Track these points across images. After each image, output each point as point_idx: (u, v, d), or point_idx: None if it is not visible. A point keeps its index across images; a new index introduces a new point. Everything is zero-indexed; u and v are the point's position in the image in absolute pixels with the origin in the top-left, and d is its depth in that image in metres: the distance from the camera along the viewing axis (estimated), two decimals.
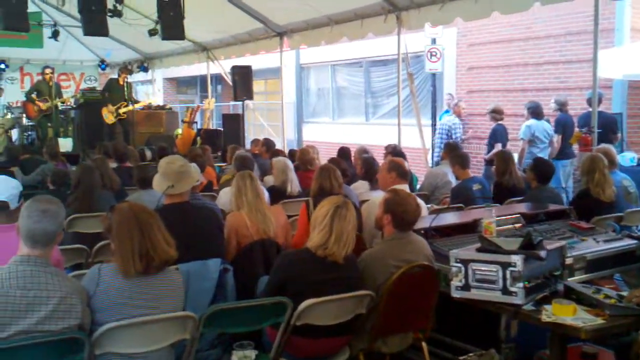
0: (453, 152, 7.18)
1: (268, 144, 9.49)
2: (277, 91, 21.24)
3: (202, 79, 24.95)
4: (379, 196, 5.27)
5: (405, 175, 5.22)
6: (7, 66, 17.62)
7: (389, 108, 16.00)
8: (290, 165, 7.06)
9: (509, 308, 3.34)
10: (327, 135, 16.94)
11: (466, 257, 3.43)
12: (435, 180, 7.49)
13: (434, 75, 12.66)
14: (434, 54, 12.03)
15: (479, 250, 3.49)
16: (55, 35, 14.99)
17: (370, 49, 15.51)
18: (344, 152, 9.09)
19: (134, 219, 3.06)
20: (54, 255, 3.29)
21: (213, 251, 4.15)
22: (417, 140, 11.27)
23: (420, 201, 4.40)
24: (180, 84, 26.86)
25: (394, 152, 8.36)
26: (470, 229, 4.80)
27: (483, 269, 3.37)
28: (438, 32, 12.10)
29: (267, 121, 17.52)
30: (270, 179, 7.60)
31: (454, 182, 7.38)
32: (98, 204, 5.84)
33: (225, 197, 6.43)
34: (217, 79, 20.20)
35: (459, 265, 3.44)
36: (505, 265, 3.29)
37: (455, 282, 3.45)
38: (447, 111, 13.18)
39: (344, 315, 3.60)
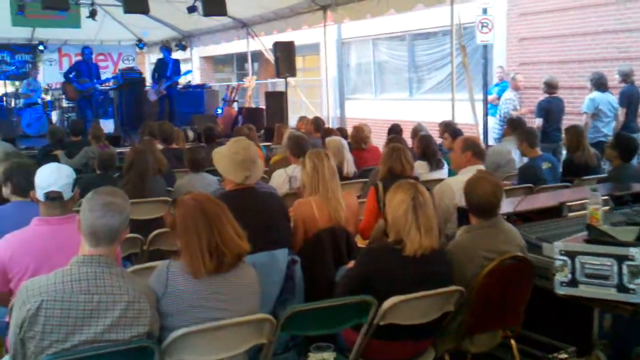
0: (521, 129, 6.71)
1: (317, 122, 9.10)
2: (316, 67, 20.85)
3: (239, 56, 24.64)
4: (451, 178, 4.92)
5: (481, 155, 4.81)
6: (45, 47, 17.54)
7: (434, 83, 15.47)
8: (346, 144, 6.70)
9: (626, 307, 2.94)
10: (369, 112, 16.46)
11: (573, 249, 3.02)
12: (498, 158, 7.02)
13: (485, 47, 12.10)
14: (485, 24, 11.46)
15: (587, 241, 3.08)
16: (92, 14, 14.74)
17: (414, 22, 14.97)
18: (395, 129, 8.68)
19: (199, 212, 2.72)
20: None
21: (280, 241, 3.82)
22: (466, 116, 10.78)
23: None
24: (216, 62, 26.56)
25: (449, 128, 7.92)
26: (552, 213, 4.41)
27: (594, 262, 2.96)
28: (489, 1, 11.52)
29: (306, 99, 17.14)
30: None
31: (517, 160, 6.96)
32: (150, 189, 5.57)
33: (278, 179, 6.11)
34: (254, 56, 19.86)
35: (565, 258, 3.04)
36: (621, 259, 2.88)
37: (560, 277, 3.05)
38: (497, 84, 12.64)
39: (432, 313, 3.24)
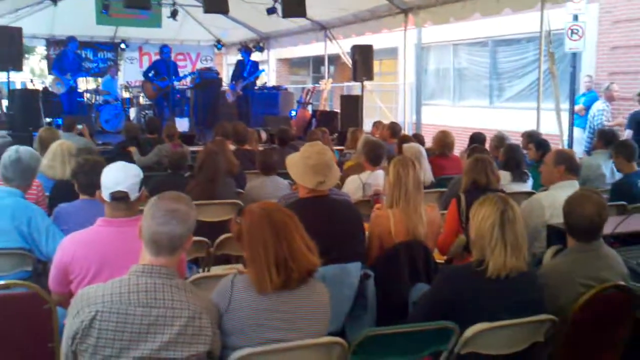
0: (617, 142, 6.23)
1: (394, 127, 8.79)
2: (391, 72, 20.51)
3: (315, 59, 24.59)
4: (541, 194, 4.54)
5: (576, 170, 4.42)
6: (127, 46, 17.87)
7: (516, 91, 14.92)
8: (424, 152, 6.39)
9: None
10: (446, 119, 16.00)
11: None
12: (588, 172, 6.56)
13: (573, 55, 11.52)
14: (575, 31, 10.89)
15: None
16: (174, 14, 14.92)
17: (497, 28, 14.47)
18: (479, 138, 8.26)
19: (267, 222, 2.50)
20: None
21: (354, 254, 3.56)
22: (550, 126, 10.23)
23: None
24: (292, 65, 26.59)
25: (534, 139, 7.47)
26: None
27: None
28: (581, 7, 10.94)
29: (381, 103, 16.84)
30: None
31: (607, 175, 6.48)
32: (220, 191, 5.42)
33: (351, 185, 5.86)
34: (331, 59, 19.71)
35: None
36: None
37: None
38: (584, 94, 12.03)
39: (519, 343, 2.91)
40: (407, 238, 3.73)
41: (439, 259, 4.16)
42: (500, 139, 7.43)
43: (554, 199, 4.16)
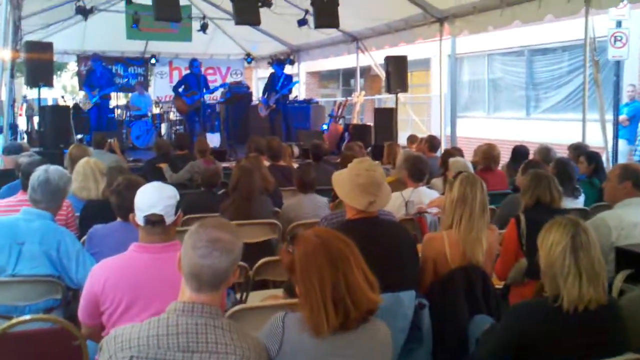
0: None
1: (432, 141, 8.48)
2: (423, 84, 20.20)
3: (345, 72, 24.39)
4: (606, 213, 4.19)
5: None
6: (157, 60, 17.82)
7: (554, 101, 14.51)
8: (471, 167, 6.07)
9: None
10: (481, 132, 15.62)
11: None
12: None
13: (617, 63, 11.11)
14: (618, 38, 10.51)
15: None
16: (204, 28, 14.83)
17: (533, 36, 14.12)
18: (521, 151, 7.91)
19: (323, 253, 2.20)
20: None
21: (407, 281, 3.25)
22: (594, 137, 9.84)
23: None
24: (322, 78, 26.41)
25: (583, 152, 7.10)
26: None
27: None
28: (624, 13, 10.55)
29: (414, 116, 16.53)
30: (438, 183, 6.64)
31: None
32: (256, 210, 5.17)
33: (394, 203, 5.53)
34: (361, 71, 19.49)
35: None
36: None
37: None
38: (627, 104, 11.60)
39: None
40: (464, 263, 3.42)
41: (496, 284, 3.83)
42: (546, 152, 7.07)
43: (621, 219, 3.82)
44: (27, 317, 2.89)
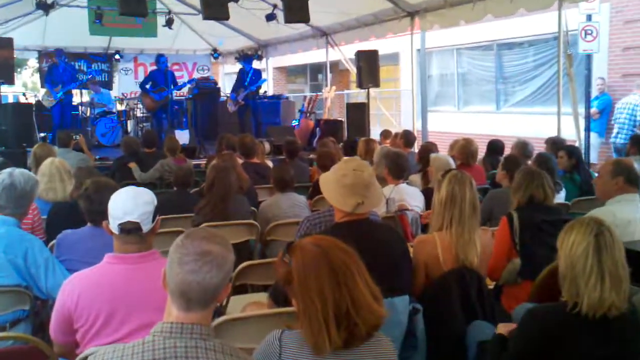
0: None
1: (408, 136, 8.34)
2: (392, 78, 20.09)
3: (313, 66, 24.17)
4: (598, 210, 4.07)
5: (635, 181, 3.95)
6: (121, 56, 17.40)
7: (523, 95, 14.49)
8: (453, 163, 5.93)
9: None
10: (451, 126, 15.55)
11: None
12: None
13: (588, 56, 11.11)
14: (589, 32, 10.48)
15: None
16: (169, 23, 14.45)
17: (501, 31, 14.08)
18: (496, 145, 7.83)
19: (324, 264, 2.01)
20: None
21: (400, 286, 3.08)
22: (566, 131, 9.83)
23: None
24: (289, 73, 26.16)
25: (562, 146, 7.04)
26: None
27: None
28: (595, 7, 10.53)
29: (384, 110, 16.42)
30: (416, 180, 6.50)
31: None
32: (233, 210, 4.97)
33: None
34: (330, 65, 19.35)
35: None
36: None
37: None
38: (597, 97, 11.64)
39: None
40: (457, 265, 3.27)
41: (488, 284, 3.69)
42: (524, 146, 6.99)
43: (614, 216, 3.71)
44: None
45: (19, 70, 32.85)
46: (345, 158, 3.35)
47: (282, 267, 2.08)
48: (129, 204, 2.69)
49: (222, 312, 3.94)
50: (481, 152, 7.53)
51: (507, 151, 7.64)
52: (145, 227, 2.69)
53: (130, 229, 2.66)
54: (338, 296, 1.96)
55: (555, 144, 7.15)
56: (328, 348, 1.94)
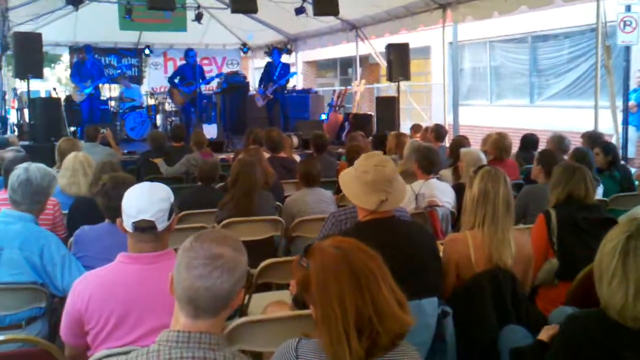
0: None
1: (439, 130, 8.13)
2: (423, 72, 19.82)
3: (343, 60, 23.99)
4: None
5: None
6: (151, 51, 17.41)
7: (558, 88, 14.14)
8: (484, 157, 5.72)
9: None
10: (483, 119, 15.29)
11: None
12: None
13: (627, 48, 10.74)
14: (628, 23, 10.11)
15: None
16: (198, 18, 14.43)
17: (537, 22, 13.75)
18: (530, 140, 7.58)
19: (345, 269, 1.85)
20: None
21: (429, 287, 2.92)
22: (603, 125, 9.51)
23: None
24: (319, 67, 26.01)
25: (598, 142, 6.78)
26: None
27: None
28: None
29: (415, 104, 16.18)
30: (447, 174, 6.31)
31: None
32: (258, 206, 4.83)
33: None
34: (360, 59, 19.15)
35: None
36: None
37: None
38: (635, 90, 11.28)
39: None
40: (490, 265, 3.08)
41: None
42: (560, 141, 6.74)
43: None
44: (2, 337, 2.54)
45: (52, 65, 33.26)
46: (366, 154, 3.15)
47: (300, 272, 1.92)
48: (144, 201, 2.56)
49: (243, 311, 3.84)
50: (514, 147, 7.31)
51: (542, 146, 7.41)
52: (161, 226, 2.56)
53: (144, 228, 2.53)
54: (360, 303, 1.80)
55: (592, 138, 6.88)
56: (348, 359, 1.77)
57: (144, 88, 17.13)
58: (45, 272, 3.32)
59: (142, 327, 2.44)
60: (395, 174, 3.04)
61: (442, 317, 2.94)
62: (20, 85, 14.76)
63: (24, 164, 3.53)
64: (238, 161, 5.06)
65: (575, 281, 3.16)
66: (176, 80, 12.99)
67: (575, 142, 7.31)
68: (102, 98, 13.57)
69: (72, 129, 12.52)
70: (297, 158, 7.59)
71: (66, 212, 4.60)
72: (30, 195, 3.42)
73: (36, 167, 3.51)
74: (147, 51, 17.35)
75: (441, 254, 3.17)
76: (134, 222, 2.52)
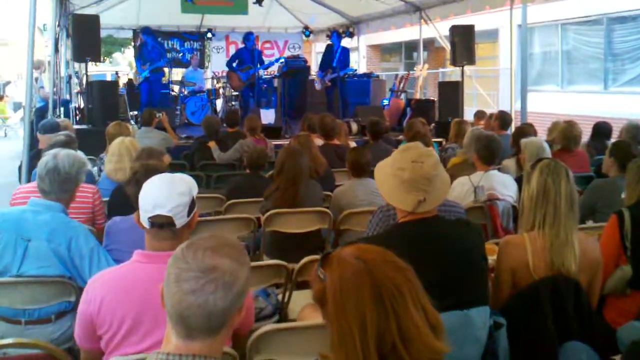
0: None
1: (504, 117, 7.68)
2: (490, 56, 19.15)
3: (407, 44, 23.50)
4: None
5: None
6: (213, 35, 17.37)
7: (635, 73, 13.39)
8: (547, 148, 5.32)
9: None
10: (553, 106, 14.59)
11: None
12: None
13: None
14: None
15: None
16: (259, 0, 14.22)
17: (613, 3, 12.99)
18: (603, 128, 7.07)
19: (367, 283, 1.56)
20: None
21: (478, 296, 2.60)
22: None
23: None
24: (384, 52, 25.56)
25: None
26: None
27: None
28: None
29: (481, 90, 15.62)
30: (510, 165, 5.91)
31: None
32: (304, 196, 4.60)
33: (460, 188, 4.90)
34: (424, 43, 18.64)
35: None
36: None
37: None
38: None
39: None
40: (551, 272, 2.74)
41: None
42: (635, 130, 6.24)
43: None
44: (10, 340, 2.38)
45: (122, 50, 33.88)
46: (403, 146, 2.81)
47: (317, 284, 1.64)
48: (162, 194, 2.35)
49: (282, 309, 3.62)
50: (586, 135, 6.84)
51: (615, 135, 6.91)
52: (179, 222, 2.34)
53: (161, 224, 2.32)
54: (383, 325, 1.52)
55: None
56: None
57: (208, 73, 17.12)
58: (73, 265, 3.17)
59: (158, 331, 2.23)
60: (437, 170, 2.68)
61: (494, 330, 2.62)
62: (89, 70, 14.99)
63: (53, 151, 3.38)
64: (284, 149, 4.82)
65: None
66: (234, 65, 12.85)
67: None
68: (163, 82, 13.55)
69: (134, 113, 12.58)
70: (354, 145, 7.31)
71: (107, 199, 4.48)
72: (59, 184, 3.26)
73: (65, 154, 3.35)
74: (209, 34, 17.31)
75: (495, 257, 2.85)
76: (150, 218, 2.32)
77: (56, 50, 9.82)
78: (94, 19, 9.82)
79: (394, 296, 1.55)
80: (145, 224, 2.34)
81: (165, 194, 2.33)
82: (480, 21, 13.78)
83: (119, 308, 2.23)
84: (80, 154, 3.73)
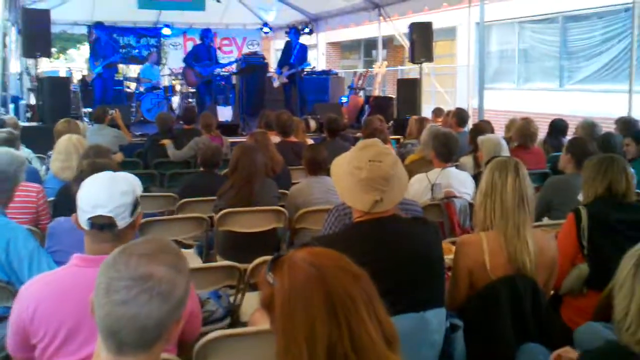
0: None
1: (461, 115, 7.69)
2: (448, 54, 19.24)
3: (367, 42, 23.49)
4: None
5: None
6: (172, 29, 17.10)
7: (590, 71, 13.56)
8: (505, 145, 5.30)
9: None
10: (510, 104, 14.71)
11: None
12: None
13: None
14: None
15: None
16: None
17: (568, 2, 13.17)
18: (559, 125, 7.11)
19: (319, 291, 1.45)
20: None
21: (434, 297, 2.52)
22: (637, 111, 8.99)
23: None
24: (343, 49, 25.53)
25: (630, 127, 6.33)
26: None
27: None
28: None
29: (439, 87, 15.68)
30: (468, 162, 5.90)
31: None
32: (260, 195, 4.48)
33: (417, 186, 4.83)
34: (383, 42, 18.65)
35: None
36: None
37: None
38: None
39: None
40: (509, 272, 2.68)
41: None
42: (591, 127, 6.28)
43: None
44: None
45: (77, 46, 33.12)
46: (360, 143, 2.69)
47: (266, 289, 1.53)
48: (102, 194, 2.21)
49: (234, 311, 3.50)
50: (542, 133, 6.86)
51: (571, 132, 6.96)
52: (121, 223, 2.20)
53: (102, 225, 2.18)
54: (335, 337, 1.41)
55: (627, 124, 6.43)
56: None
57: (165, 69, 16.86)
58: (10, 269, 2.99)
59: (96, 340, 2.09)
60: (394, 169, 2.57)
61: (451, 332, 2.55)
62: (43, 66, 14.57)
63: None
64: (239, 146, 4.69)
65: (605, 291, 2.73)
66: (191, 61, 12.65)
67: (607, 129, 6.85)
68: (117, 78, 13.24)
69: (88, 110, 12.27)
70: (311, 142, 7.22)
71: (52, 199, 4.30)
72: None
73: (4, 152, 3.18)
74: (165, 30, 17.02)
75: (452, 257, 2.79)
76: (89, 218, 2.18)
77: (4, 45, 9.49)
78: (45, 14, 9.53)
79: (347, 306, 1.44)
80: (85, 225, 2.20)
81: (107, 193, 2.19)
82: (439, 19, 13.83)
83: (54, 315, 2.09)
84: (21, 152, 3.55)
